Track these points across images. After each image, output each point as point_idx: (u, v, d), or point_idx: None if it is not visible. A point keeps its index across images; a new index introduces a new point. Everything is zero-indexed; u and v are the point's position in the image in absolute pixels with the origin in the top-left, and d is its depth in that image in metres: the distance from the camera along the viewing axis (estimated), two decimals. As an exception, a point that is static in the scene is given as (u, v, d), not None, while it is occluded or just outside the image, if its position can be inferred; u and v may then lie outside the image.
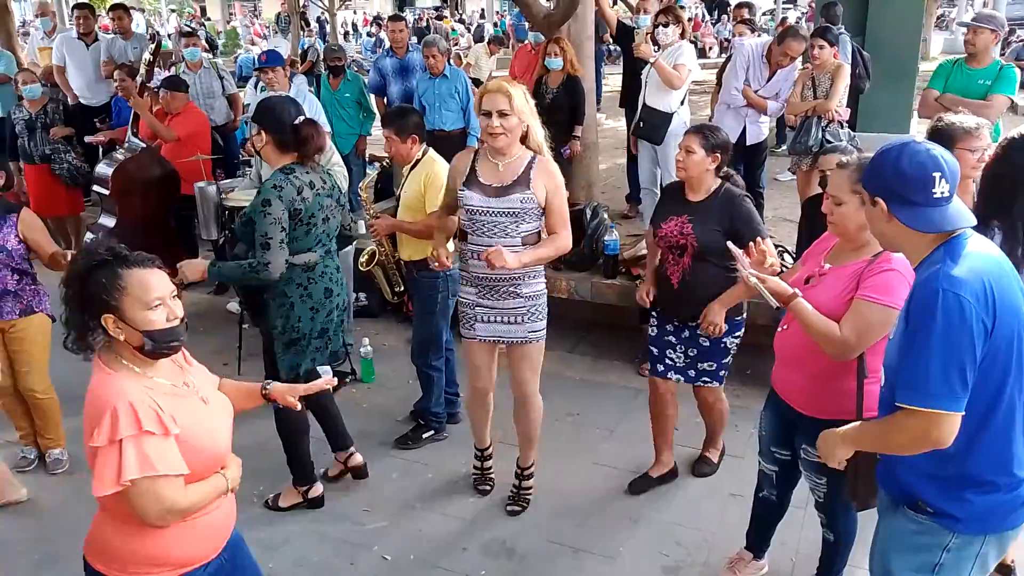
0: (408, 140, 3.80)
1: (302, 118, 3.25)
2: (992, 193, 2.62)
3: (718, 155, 3.26)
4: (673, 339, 3.48)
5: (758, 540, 3.14)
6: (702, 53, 19.04)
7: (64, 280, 1.91)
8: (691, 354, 3.46)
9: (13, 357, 3.77)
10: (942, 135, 2.92)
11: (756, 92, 5.51)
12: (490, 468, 3.76)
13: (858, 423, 2.14)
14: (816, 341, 2.44)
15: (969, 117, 3.04)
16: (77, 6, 7.68)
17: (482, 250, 3.16)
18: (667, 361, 3.51)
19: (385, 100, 6.94)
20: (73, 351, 1.95)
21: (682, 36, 5.44)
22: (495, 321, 3.33)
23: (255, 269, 3.13)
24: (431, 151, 3.89)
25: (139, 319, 1.88)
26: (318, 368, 3.52)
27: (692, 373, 3.49)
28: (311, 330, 3.36)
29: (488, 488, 3.72)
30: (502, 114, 3.06)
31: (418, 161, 3.84)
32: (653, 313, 3.56)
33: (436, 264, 3.39)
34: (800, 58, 5.55)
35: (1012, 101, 4.67)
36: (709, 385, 3.52)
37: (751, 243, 2.63)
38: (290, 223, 3.18)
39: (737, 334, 3.42)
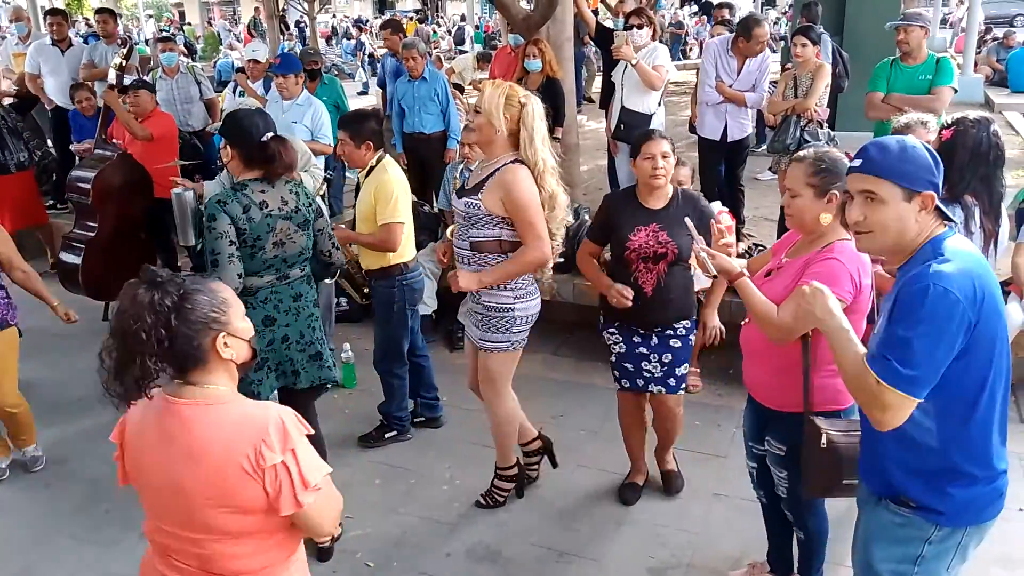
0: (362, 146, 3.72)
1: (270, 134, 3.06)
2: (964, 170, 2.72)
3: (676, 157, 3.35)
4: (645, 350, 3.36)
5: (773, 555, 3.05)
6: (684, 54, 19.15)
7: (146, 329, 1.61)
8: (666, 360, 3.36)
9: None
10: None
11: (730, 87, 5.51)
12: (532, 464, 3.69)
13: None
14: (757, 323, 2.52)
15: (910, 115, 3.24)
16: (50, 12, 7.59)
17: (455, 250, 3.32)
18: (644, 374, 3.40)
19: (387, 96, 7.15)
20: (122, 399, 1.68)
21: (653, 37, 5.49)
22: (470, 323, 3.38)
23: None
24: (387, 159, 3.79)
25: (243, 328, 1.77)
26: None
27: (672, 382, 3.40)
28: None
29: (525, 482, 3.69)
30: (476, 110, 3.10)
31: (372, 169, 3.75)
32: (612, 330, 3.43)
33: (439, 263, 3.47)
34: (767, 47, 5.54)
35: (956, 90, 4.78)
36: (679, 392, 3.45)
37: (711, 221, 2.74)
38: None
39: (694, 331, 3.45)
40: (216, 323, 1.70)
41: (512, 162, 3.09)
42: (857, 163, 1.92)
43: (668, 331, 3.34)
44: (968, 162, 2.71)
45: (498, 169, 3.09)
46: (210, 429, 1.67)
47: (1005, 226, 2.97)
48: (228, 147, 3.10)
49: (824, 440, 2.46)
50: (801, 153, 2.61)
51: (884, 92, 4.85)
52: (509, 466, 3.59)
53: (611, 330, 3.43)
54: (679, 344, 3.36)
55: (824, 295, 1.98)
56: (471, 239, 3.16)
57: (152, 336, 1.61)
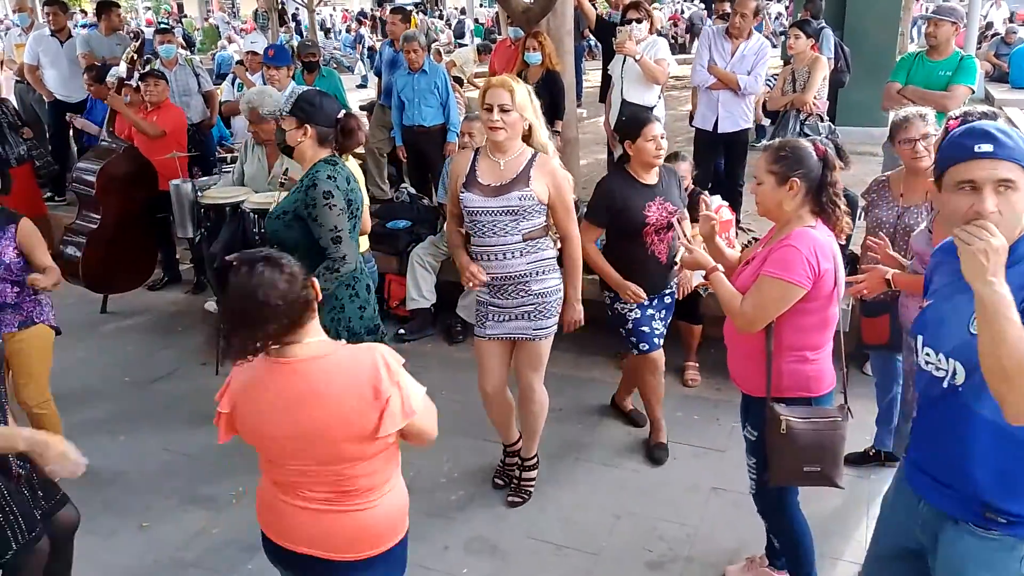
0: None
1: (344, 111, 3.16)
2: None
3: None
4: (653, 311, 3.65)
5: (771, 547, 3.03)
6: (682, 48, 19.10)
7: (275, 299, 1.85)
8: (663, 316, 3.72)
9: (13, 370, 3.60)
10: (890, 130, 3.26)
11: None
12: (512, 465, 3.70)
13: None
14: (726, 313, 2.59)
15: (909, 108, 3.26)
16: (48, 2, 7.56)
17: (485, 251, 3.21)
18: (656, 332, 3.67)
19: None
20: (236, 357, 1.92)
21: (651, 31, 5.48)
22: (505, 319, 3.31)
23: (333, 267, 2.96)
24: None
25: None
26: None
27: (665, 334, 3.75)
28: (363, 329, 3.22)
29: (502, 483, 3.69)
30: (503, 109, 3.05)
31: None
32: (626, 301, 3.60)
33: (471, 284, 3.24)
34: (753, 21, 5.48)
35: (973, 91, 4.75)
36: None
37: (703, 215, 2.81)
38: None
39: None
40: (305, 277, 1.94)
41: (535, 152, 3.20)
42: (987, 148, 1.70)
43: (667, 290, 3.69)
44: None
45: (532, 159, 3.17)
46: (333, 376, 1.91)
47: None
48: (306, 127, 3.05)
49: (783, 426, 2.48)
50: (767, 142, 2.65)
51: (903, 83, 4.84)
52: (534, 455, 3.64)
53: (624, 301, 3.61)
54: (670, 300, 3.75)
55: (999, 254, 1.63)
56: (523, 231, 3.18)
57: (284, 302, 1.85)
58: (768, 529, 2.86)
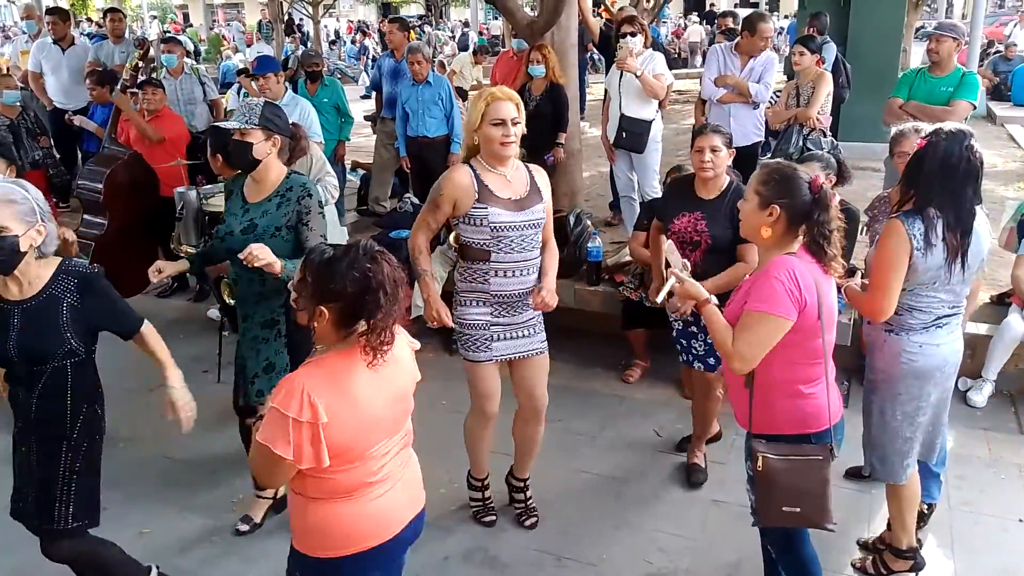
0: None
1: (290, 119, 3.18)
2: (932, 181, 2.62)
3: (733, 151, 3.46)
4: (695, 329, 3.54)
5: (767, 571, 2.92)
6: (684, 63, 19.19)
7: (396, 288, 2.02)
8: (710, 341, 3.46)
9: None
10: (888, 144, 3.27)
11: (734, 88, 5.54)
12: (490, 497, 3.59)
13: None
14: (720, 353, 2.46)
15: (907, 123, 3.28)
16: (49, 11, 7.63)
17: (509, 267, 3.09)
18: (692, 351, 3.60)
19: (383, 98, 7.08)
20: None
21: (645, 44, 5.52)
22: (511, 337, 3.22)
23: None
24: None
25: None
26: None
27: (712, 361, 3.54)
28: None
29: (493, 519, 3.53)
30: (515, 122, 3.00)
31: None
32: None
33: (434, 323, 3.11)
34: (768, 44, 5.56)
35: (975, 106, 4.78)
36: (716, 371, 3.57)
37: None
38: None
39: None
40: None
41: (525, 163, 3.17)
42: None
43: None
44: (937, 173, 2.60)
45: (530, 172, 3.15)
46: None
47: (985, 234, 2.78)
48: (274, 137, 3.04)
49: (760, 463, 2.39)
50: (769, 159, 2.58)
51: (905, 99, 4.87)
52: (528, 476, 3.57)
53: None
54: None
55: None
56: (539, 245, 3.16)
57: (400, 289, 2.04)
58: (777, 562, 2.75)
